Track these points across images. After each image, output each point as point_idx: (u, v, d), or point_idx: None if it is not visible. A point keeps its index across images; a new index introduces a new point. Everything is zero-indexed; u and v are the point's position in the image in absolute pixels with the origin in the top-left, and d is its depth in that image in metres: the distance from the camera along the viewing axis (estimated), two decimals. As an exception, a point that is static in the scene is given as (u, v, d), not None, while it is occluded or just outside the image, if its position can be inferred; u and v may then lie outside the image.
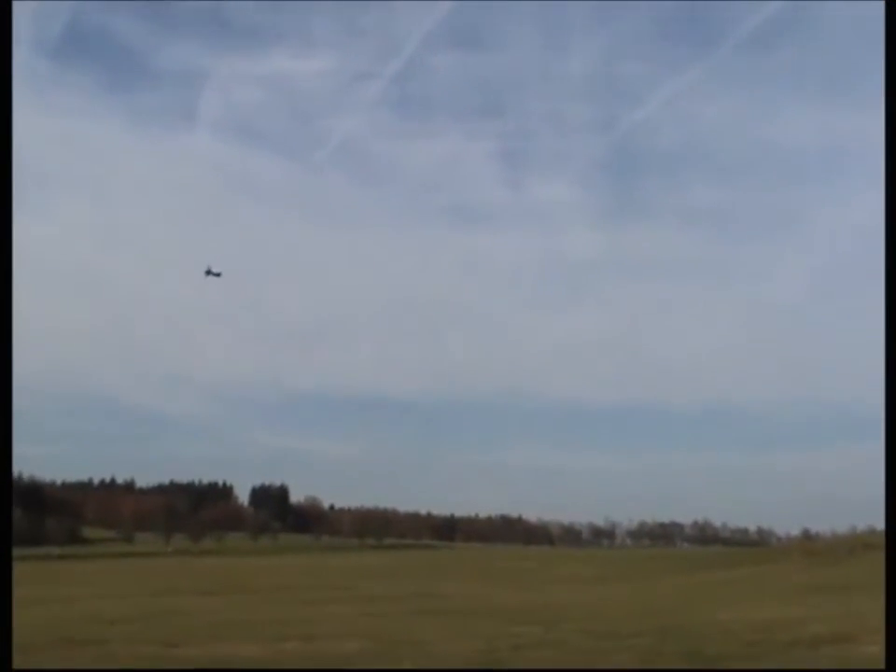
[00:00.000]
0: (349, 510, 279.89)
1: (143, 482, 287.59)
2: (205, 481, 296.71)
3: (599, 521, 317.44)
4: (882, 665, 15.80)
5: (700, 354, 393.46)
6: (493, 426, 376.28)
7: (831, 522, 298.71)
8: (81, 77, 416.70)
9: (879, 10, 22.19)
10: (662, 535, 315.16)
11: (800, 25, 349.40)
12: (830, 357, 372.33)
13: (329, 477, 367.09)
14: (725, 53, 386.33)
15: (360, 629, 31.67)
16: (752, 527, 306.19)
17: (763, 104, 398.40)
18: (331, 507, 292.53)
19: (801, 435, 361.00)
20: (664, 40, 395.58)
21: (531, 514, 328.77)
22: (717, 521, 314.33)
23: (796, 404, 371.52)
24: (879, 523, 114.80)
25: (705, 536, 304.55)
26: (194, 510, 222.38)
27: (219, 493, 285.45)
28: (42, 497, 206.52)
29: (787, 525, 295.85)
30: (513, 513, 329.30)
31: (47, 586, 68.14)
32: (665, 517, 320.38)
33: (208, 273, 71.67)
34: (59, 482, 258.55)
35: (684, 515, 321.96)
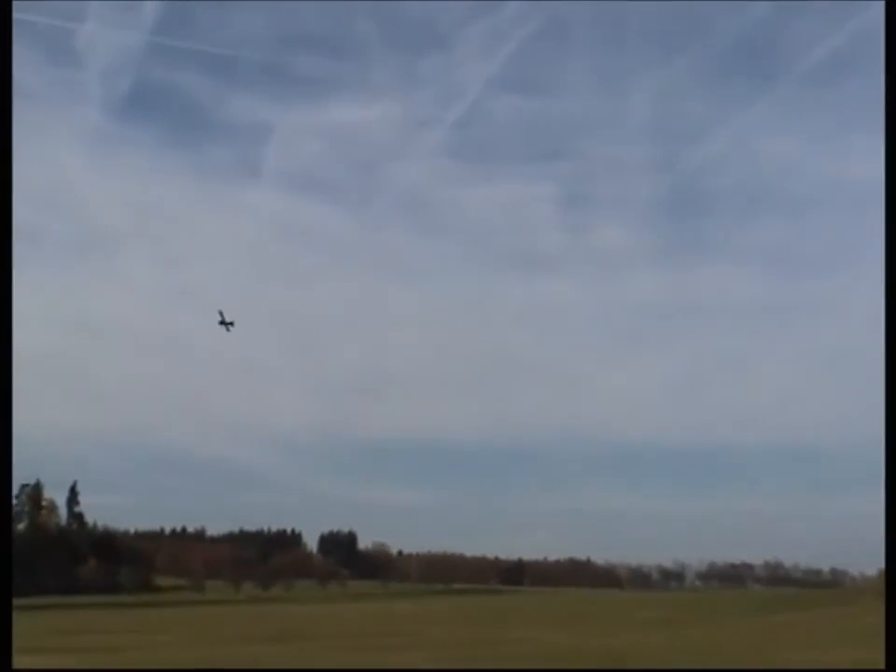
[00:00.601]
0: (416, 555, 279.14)
1: (213, 530, 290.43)
2: (274, 529, 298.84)
3: (668, 563, 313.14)
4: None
5: (768, 394, 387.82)
6: (558, 470, 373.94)
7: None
8: (147, 133, 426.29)
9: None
10: (732, 576, 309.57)
11: (863, 57, 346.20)
12: None
13: (396, 523, 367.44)
14: (788, 88, 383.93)
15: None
16: (825, 568, 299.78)
17: (828, 138, 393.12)
18: (399, 553, 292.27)
19: (875, 473, 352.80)
20: (724, 77, 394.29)
21: (599, 557, 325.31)
22: (788, 561, 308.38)
23: (868, 442, 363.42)
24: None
25: (776, 577, 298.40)
26: (263, 557, 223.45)
27: (288, 540, 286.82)
28: (116, 546, 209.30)
29: (861, 566, 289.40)
30: (581, 556, 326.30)
31: (122, 634, 69.34)
32: (734, 558, 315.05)
33: (221, 322, 71.23)
34: (132, 531, 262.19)
35: (755, 556, 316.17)
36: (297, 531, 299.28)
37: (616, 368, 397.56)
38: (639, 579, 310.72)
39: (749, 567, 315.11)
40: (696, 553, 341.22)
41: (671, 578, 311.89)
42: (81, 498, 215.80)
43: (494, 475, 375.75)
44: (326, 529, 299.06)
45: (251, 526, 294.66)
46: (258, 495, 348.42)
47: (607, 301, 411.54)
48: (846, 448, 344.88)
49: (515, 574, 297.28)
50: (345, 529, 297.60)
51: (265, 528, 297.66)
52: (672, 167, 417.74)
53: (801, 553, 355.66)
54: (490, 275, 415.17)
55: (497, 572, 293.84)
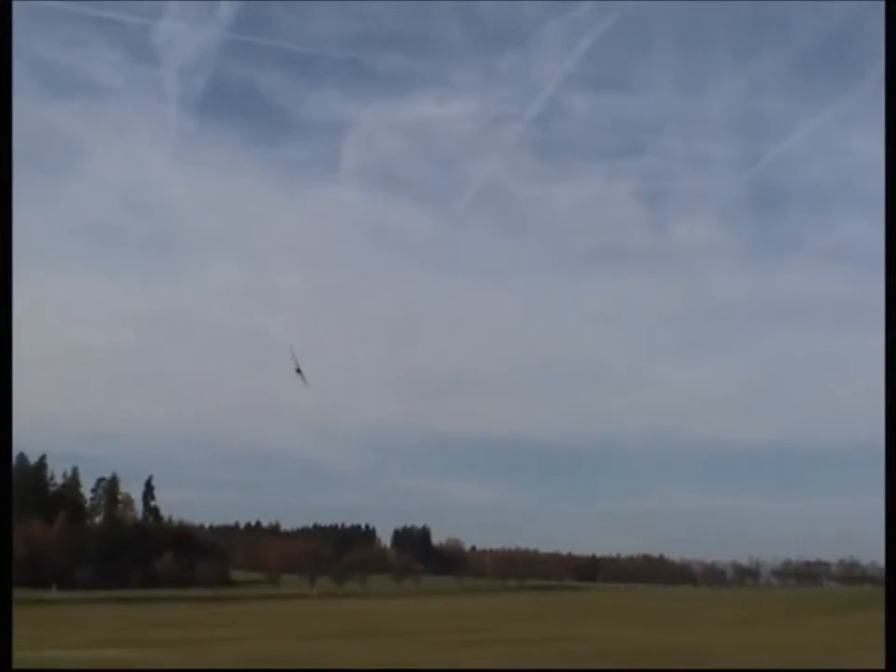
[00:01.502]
0: (491, 551, 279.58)
1: (287, 525, 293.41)
2: (349, 524, 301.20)
3: (743, 560, 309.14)
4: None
5: (848, 393, 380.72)
6: (635, 468, 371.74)
7: None
8: (226, 131, 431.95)
9: None
10: (808, 574, 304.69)
11: None
12: None
13: (470, 519, 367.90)
14: (871, 85, 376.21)
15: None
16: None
17: None
18: (473, 548, 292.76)
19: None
20: (806, 75, 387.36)
21: (674, 554, 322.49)
22: (864, 559, 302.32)
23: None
24: None
25: (852, 575, 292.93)
26: (338, 553, 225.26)
27: (363, 536, 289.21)
28: (192, 541, 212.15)
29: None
30: (655, 553, 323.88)
31: (199, 628, 70.28)
32: (810, 556, 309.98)
33: (298, 371, 70.57)
34: (207, 525, 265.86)
35: (830, 554, 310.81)
36: (371, 526, 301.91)
37: (694, 367, 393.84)
38: (714, 576, 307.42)
39: (824, 564, 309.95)
40: (772, 551, 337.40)
41: (746, 575, 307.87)
42: (157, 493, 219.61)
43: (569, 473, 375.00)
44: (400, 525, 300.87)
45: (325, 522, 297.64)
46: (333, 490, 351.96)
47: (689, 298, 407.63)
48: None
49: (589, 571, 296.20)
50: (419, 525, 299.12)
51: (339, 524, 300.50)
52: (754, 164, 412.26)
53: (878, 551, 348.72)
54: (570, 273, 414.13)
55: (572, 569, 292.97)
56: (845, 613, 77.44)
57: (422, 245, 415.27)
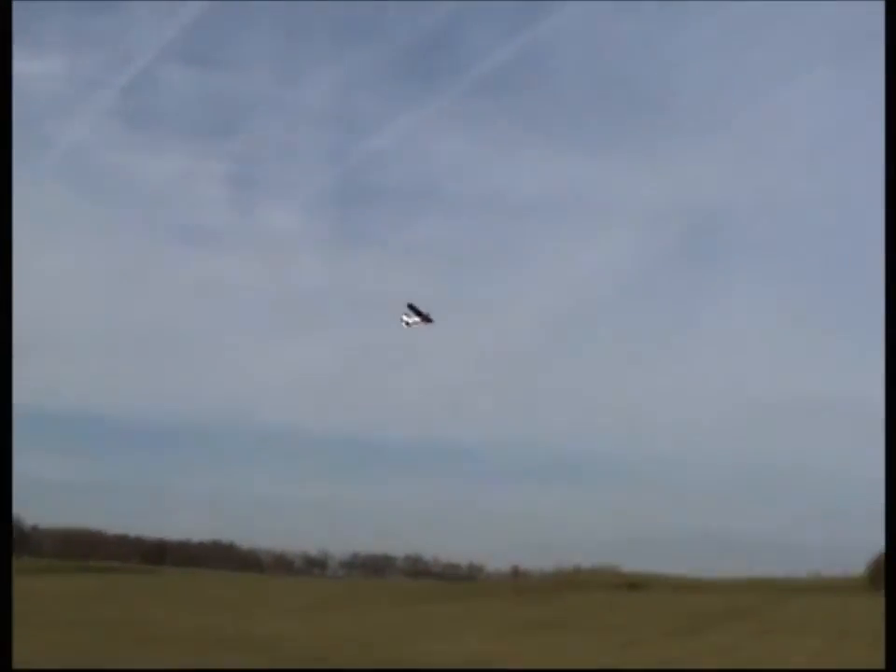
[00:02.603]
0: (51, 530, 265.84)
1: None
2: None
3: (312, 551, 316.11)
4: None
5: (420, 388, 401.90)
6: (214, 450, 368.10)
7: (538, 560, 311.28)
8: None
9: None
10: (374, 566, 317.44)
11: (530, 70, 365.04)
12: (556, 399, 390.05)
13: (31, 496, 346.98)
14: (460, 89, 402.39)
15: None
16: (464, 563, 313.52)
17: (494, 145, 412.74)
18: (34, 527, 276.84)
19: (513, 473, 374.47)
20: (399, 74, 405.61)
21: (244, 541, 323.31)
22: (428, 555, 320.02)
23: (511, 444, 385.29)
24: (584, 562, 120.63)
25: (417, 569, 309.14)
26: None
27: None
28: None
29: (496, 562, 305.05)
30: (225, 539, 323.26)
31: None
32: (377, 549, 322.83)
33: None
34: None
35: (397, 548, 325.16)
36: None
37: (276, 352, 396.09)
38: (283, 565, 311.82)
39: (391, 558, 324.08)
40: (341, 542, 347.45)
41: (314, 565, 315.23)
42: None
43: (143, 453, 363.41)
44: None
45: None
46: None
47: (271, 283, 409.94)
48: (489, 446, 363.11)
49: (156, 554, 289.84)
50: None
51: None
52: (343, 159, 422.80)
53: (441, 547, 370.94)
54: (153, 246, 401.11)
55: (139, 552, 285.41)
56: (410, 605, 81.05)
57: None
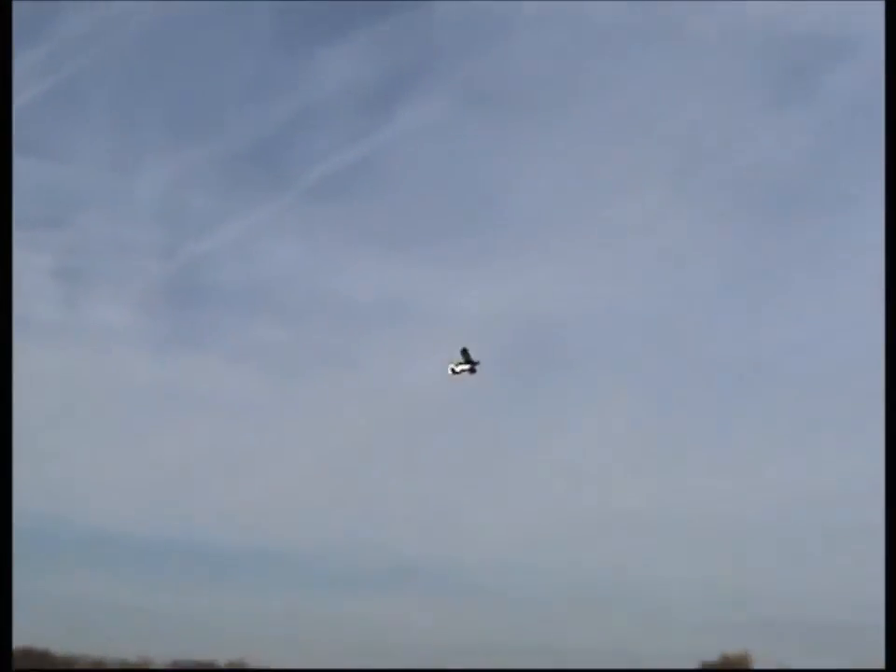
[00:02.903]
0: None
1: None
2: None
3: (132, 657, 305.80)
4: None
5: (254, 493, 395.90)
6: (27, 552, 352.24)
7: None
8: None
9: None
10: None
11: (368, 177, 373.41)
12: (389, 503, 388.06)
13: None
14: (294, 195, 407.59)
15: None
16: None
17: (326, 252, 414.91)
18: None
19: (343, 579, 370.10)
20: (235, 176, 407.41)
21: (57, 648, 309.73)
22: (252, 661, 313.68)
23: (344, 548, 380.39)
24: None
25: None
26: None
27: None
28: None
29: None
30: (40, 647, 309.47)
31: None
32: (200, 656, 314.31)
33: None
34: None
35: (220, 654, 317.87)
36: None
37: (100, 452, 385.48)
38: None
39: (212, 663, 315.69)
40: (163, 647, 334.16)
41: None
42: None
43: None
44: None
45: None
46: None
47: (99, 380, 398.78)
48: (328, 551, 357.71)
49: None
50: None
51: None
52: (173, 257, 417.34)
53: (265, 653, 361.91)
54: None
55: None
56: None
57: None
